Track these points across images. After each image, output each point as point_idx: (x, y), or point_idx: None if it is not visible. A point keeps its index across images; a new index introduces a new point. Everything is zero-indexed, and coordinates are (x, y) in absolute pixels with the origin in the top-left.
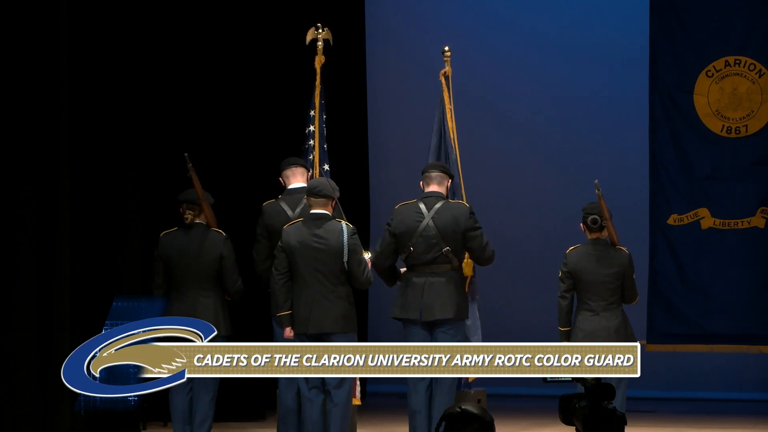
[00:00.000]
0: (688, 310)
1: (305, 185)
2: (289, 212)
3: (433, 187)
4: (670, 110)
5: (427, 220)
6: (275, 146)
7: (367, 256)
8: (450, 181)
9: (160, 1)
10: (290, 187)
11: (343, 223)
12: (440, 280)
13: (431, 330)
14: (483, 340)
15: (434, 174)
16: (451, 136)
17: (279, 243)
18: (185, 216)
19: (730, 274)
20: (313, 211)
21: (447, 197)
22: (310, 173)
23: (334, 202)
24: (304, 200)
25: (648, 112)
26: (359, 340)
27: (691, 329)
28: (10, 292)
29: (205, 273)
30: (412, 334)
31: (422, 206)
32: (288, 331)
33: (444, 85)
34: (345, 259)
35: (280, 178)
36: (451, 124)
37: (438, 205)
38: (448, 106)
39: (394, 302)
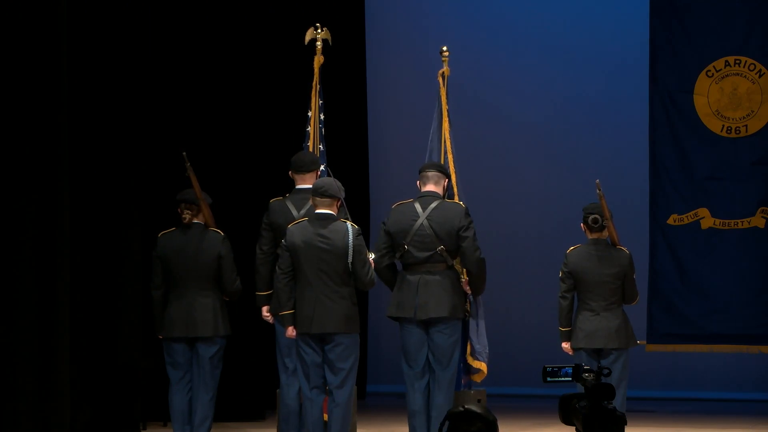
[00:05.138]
0: (688, 310)
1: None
2: (294, 212)
3: (429, 187)
4: (670, 110)
5: (422, 219)
6: (274, 146)
7: (371, 256)
8: (447, 180)
9: (160, 1)
10: (298, 186)
11: (349, 223)
12: (435, 278)
13: (427, 329)
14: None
15: (431, 173)
16: (444, 136)
17: (283, 242)
18: (183, 216)
19: (730, 274)
20: (318, 211)
21: (444, 197)
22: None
23: (339, 203)
24: (310, 201)
25: (648, 112)
26: (359, 340)
27: (691, 329)
28: (10, 292)
29: (203, 273)
30: (408, 333)
31: (417, 206)
32: (290, 331)
33: (441, 85)
34: (350, 259)
35: (290, 173)
36: (445, 124)
37: (433, 205)
38: (445, 107)
39: (390, 301)
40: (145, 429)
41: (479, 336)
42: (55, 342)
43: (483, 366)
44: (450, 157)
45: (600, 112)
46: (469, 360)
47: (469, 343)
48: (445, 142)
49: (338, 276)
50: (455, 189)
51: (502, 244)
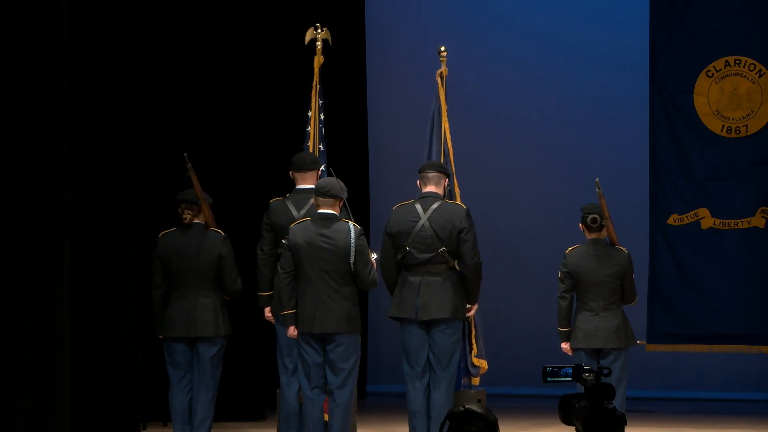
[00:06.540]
0: (688, 310)
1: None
2: (295, 212)
3: (430, 188)
4: (670, 110)
5: (423, 220)
6: (274, 146)
7: (373, 257)
8: (447, 180)
9: (160, 1)
10: (298, 187)
11: (351, 223)
12: (436, 279)
13: (428, 329)
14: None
15: (431, 174)
16: (445, 137)
17: (285, 241)
18: (184, 216)
19: (730, 274)
20: (320, 211)
21: (444, 197)
22: (319, 174)
23: (341, 203)
24: (311, 201)
25: (648, 112)
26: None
27: (691, 329)
28: (11, 292)
29: (204, 273)
30: (409, 333)
31: (418, 207)
32: (292, 330)
33: (440, 85)
34: (352, 260)
35: (291, 173)
36: (445, 124)
37: (434, 206)
38: (444, 106)
39: (391, 302)
40: (145, 429)
41: (480, 335)
42: (55, 342)
43: (485, 363)
44: (451, 157)
45: (600, 112)
46: (475, 361)
47: (474, 345)
48: (446, 142)
49: (340, 276)
50: (456, 190)
51: (501, 243)
